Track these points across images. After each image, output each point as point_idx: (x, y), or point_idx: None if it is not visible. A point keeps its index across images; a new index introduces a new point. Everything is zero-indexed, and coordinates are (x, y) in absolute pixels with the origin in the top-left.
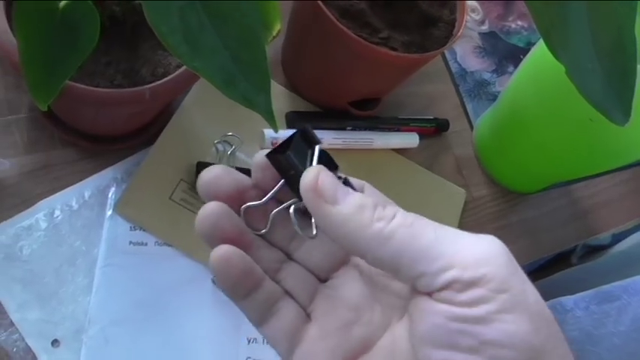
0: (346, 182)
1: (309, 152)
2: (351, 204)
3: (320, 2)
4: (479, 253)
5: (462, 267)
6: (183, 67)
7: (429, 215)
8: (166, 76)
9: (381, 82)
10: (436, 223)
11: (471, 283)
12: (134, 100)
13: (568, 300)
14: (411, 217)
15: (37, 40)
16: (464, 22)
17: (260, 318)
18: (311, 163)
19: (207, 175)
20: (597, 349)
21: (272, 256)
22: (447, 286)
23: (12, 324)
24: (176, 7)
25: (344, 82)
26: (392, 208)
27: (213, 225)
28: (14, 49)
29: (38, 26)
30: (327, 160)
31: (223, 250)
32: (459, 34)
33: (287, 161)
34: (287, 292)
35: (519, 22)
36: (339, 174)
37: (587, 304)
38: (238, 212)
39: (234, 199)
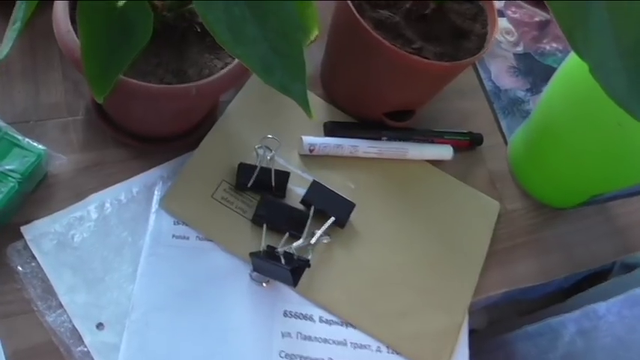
0: None
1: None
2: None
3: (356, 14)
4: None
5: None
6: (227, 69)
7: (463, 225)
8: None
9: (414, 92)
10: None
11: None
12: (181, 95)
13: (600, 306)
14: None
15: (96, 36)
16: (494, 34)
17: None
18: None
19: None
20: (630, 354)
21: None
22: None
23: (60, 305)
24: (221, 2)
25: (379, 93)
26: None
27: None
28: (76, 47)
29: (98, 24)
30: None
31: None
32: (490, 45)
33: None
34: None
35: (554, 44)
36: None
37: (619, 309)
38: None
39: None
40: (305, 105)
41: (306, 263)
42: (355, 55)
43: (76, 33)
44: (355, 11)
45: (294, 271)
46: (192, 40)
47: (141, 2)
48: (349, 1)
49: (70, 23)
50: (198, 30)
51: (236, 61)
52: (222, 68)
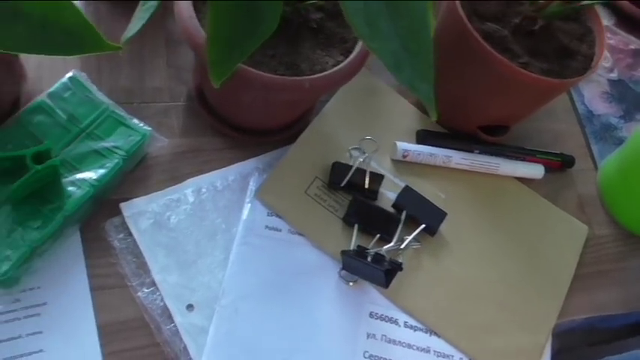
0: None
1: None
2: None
3: (468, 24)
4: None
5: None
6: (339, 66)
7: (550, 246)
8: (323, 73)
9: (515, 107)
10: None
11: None
12: (295, 87)
13: None
14: None
15: (225, 22)
16: (602, 56)
17: None
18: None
19: None
20: None
21: None
22: None
23: (153, 283)
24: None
25: (479, 105)
26: None
27: None
28: (197, 33)
29: (228, 9)
30: None
31: None
32: (597, 65)
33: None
34: None
35: None
36: None
37: None
38: None
39: None
40: (431, 105)
41: (399, 266)
42: (460, 66)
43: (199, 20)
44: (467, 21)
45: (387, 272)
46: (306, 36)
47: None
48: (462, 10)
49: (192, 9)
50: (314, 26)
51: (348, 59)
52: (333, 66)
